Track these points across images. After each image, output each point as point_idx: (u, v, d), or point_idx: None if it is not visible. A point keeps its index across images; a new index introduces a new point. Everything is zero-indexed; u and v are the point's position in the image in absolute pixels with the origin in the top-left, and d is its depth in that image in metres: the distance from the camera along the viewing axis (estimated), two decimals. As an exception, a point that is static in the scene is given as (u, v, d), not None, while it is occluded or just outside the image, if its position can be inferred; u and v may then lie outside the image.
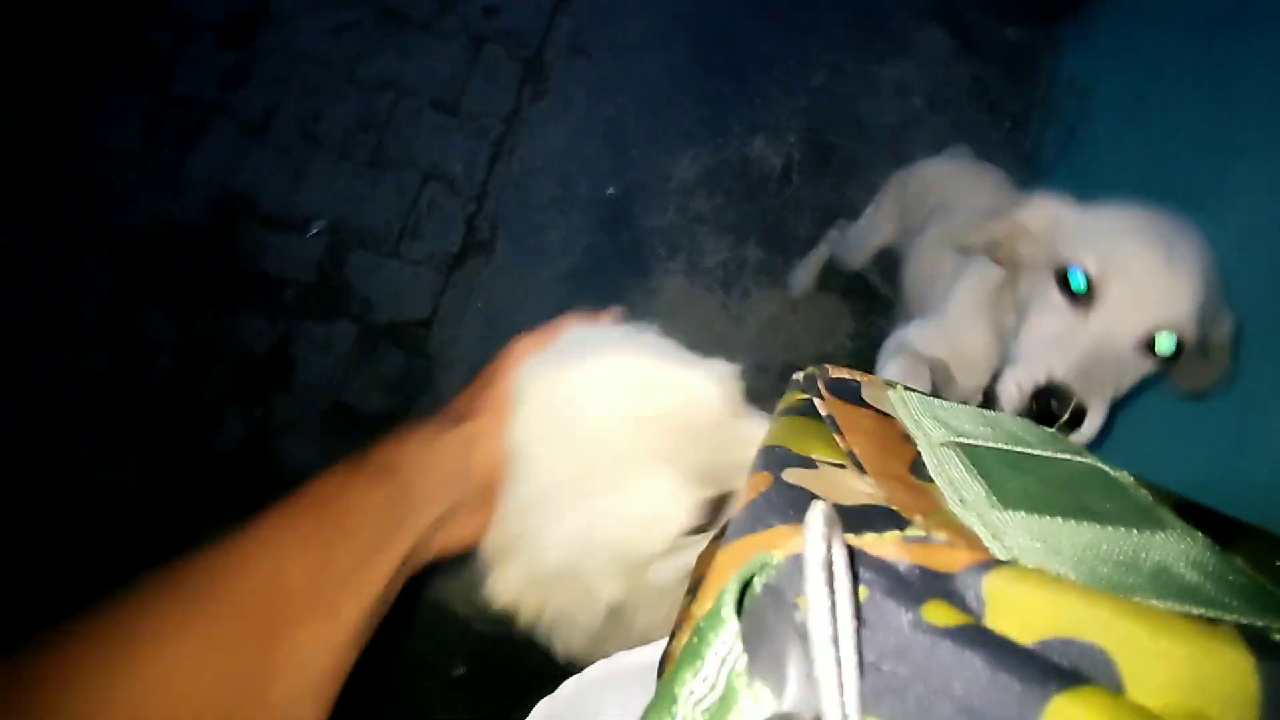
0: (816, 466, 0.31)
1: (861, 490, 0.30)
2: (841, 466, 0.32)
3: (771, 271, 1.41)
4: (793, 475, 0.30)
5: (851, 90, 1.50)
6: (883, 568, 0.23)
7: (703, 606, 0.23)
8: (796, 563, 0.21)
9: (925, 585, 0.23)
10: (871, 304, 1.39)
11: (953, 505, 0.30)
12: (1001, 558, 0.26)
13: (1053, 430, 0.43)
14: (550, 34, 1.53)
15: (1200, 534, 0.31)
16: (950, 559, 0.23)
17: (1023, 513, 0.30)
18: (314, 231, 1.45)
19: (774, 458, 0.32)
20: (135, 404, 1.34)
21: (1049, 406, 0.64)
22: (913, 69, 1.52)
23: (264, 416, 1.35)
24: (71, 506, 1.26)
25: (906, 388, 0.43)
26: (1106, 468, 0.37)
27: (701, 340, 0.52)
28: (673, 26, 1.53)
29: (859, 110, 1.48)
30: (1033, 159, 1.42)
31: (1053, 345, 0.67)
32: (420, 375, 1.36)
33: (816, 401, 0.39)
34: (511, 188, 1.47)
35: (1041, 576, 0.22)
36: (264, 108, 1.49)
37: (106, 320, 1.37)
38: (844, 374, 0.43)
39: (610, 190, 1.45)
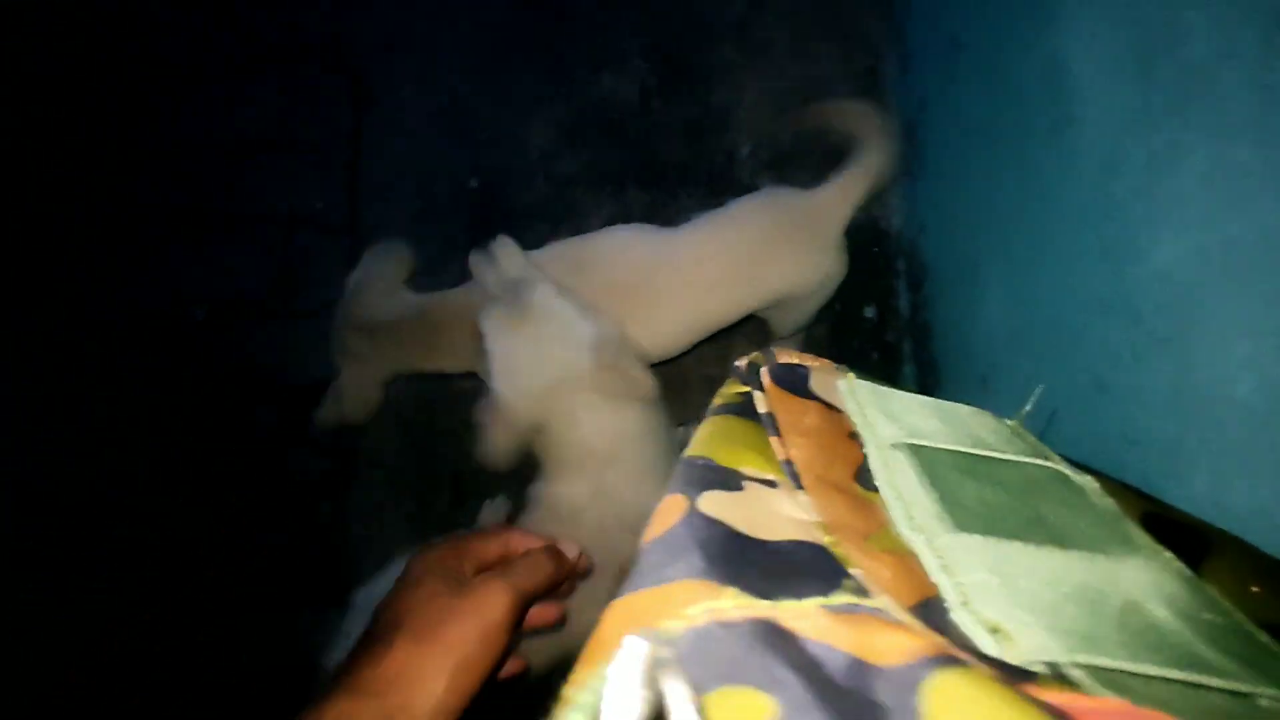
0: (741, 487, 0.28)
1: (792, 518, 0.26)
2: (772, 485, 0.29)
3: (660, 208, 1.35)
4: (711, 503, 0.26)
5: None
6: (801, 663, 0.18)
7: (578, 672, 0.20)
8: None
9: (852, 686, 0.18)
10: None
11: (900, 525, 0.28)
12: (951, 599, 0.23)
13: (1014, 424, 0.40)
14: (356, 38, 1.43)
15: (1170, 556, 0.29)
16: (889, 645, 0.19)
17: (978, 536, 0.27)
18: (199, 318, 1.40)
19: (694, 474, 0.28)
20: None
21: None
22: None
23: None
24: None
25: (859, 375, 0.40)
26: (1069, 471, 0.34)
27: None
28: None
29: (699, 9, 1.38)
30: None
31: None
32: (350, 432, 1.34)
33: (756, 396, 0.36)
34: (379, 208, 1.40)
35: (995, 695, 0.17)
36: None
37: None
38: (793, 359, 0.40)
39: (473, 183, 1.38)
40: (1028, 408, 0.41)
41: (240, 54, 1.45)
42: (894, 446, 0.32)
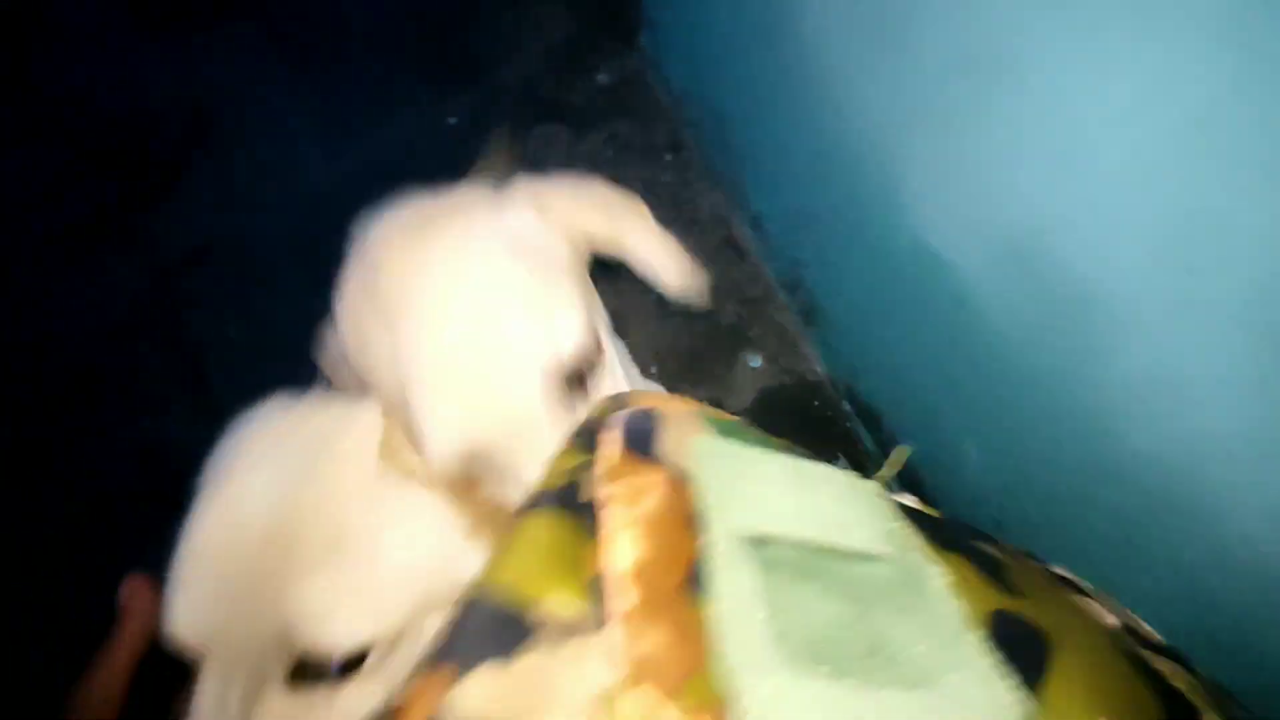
0: (532, 634, 0.24)
1: (588, 684, 0.23)
2: (574, 629, 0.25)
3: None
4: (481, 681, 0.22)
5: None
6: None
7: None
8: None
9: None
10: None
11: (722, 663, 0.24)
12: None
13: (878, 487, 0.36)
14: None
15: (1008, 683, 0.27)
16: None
17: (804, 676, 0.24)
18: None
19: (473, 625, 0.25)
20: None
21: None
22: None
23: None
24: None
25: (729, 430, 0.35)
26: (920, 560, 0.31)
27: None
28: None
29: None
30: None
31: None
32: None
33: (585, 477, 0.31)
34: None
35: None
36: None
37: None
38: (650, 404, 0.35)
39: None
40: (885, 471, 0.38)
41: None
42: (739, 541, 0.29)
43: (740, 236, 1.30)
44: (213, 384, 1.31)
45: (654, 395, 0.37)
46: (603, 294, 1.25)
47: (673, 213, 1.33)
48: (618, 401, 0.35)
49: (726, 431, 0.34)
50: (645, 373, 1.22)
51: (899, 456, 0.38)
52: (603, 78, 1.37)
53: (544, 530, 0.28)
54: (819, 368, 1.24)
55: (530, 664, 0.23)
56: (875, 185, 0.85)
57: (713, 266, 1.30)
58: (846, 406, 1.22)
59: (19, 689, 1.15)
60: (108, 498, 1.25)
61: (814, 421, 1.22)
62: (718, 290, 1.29)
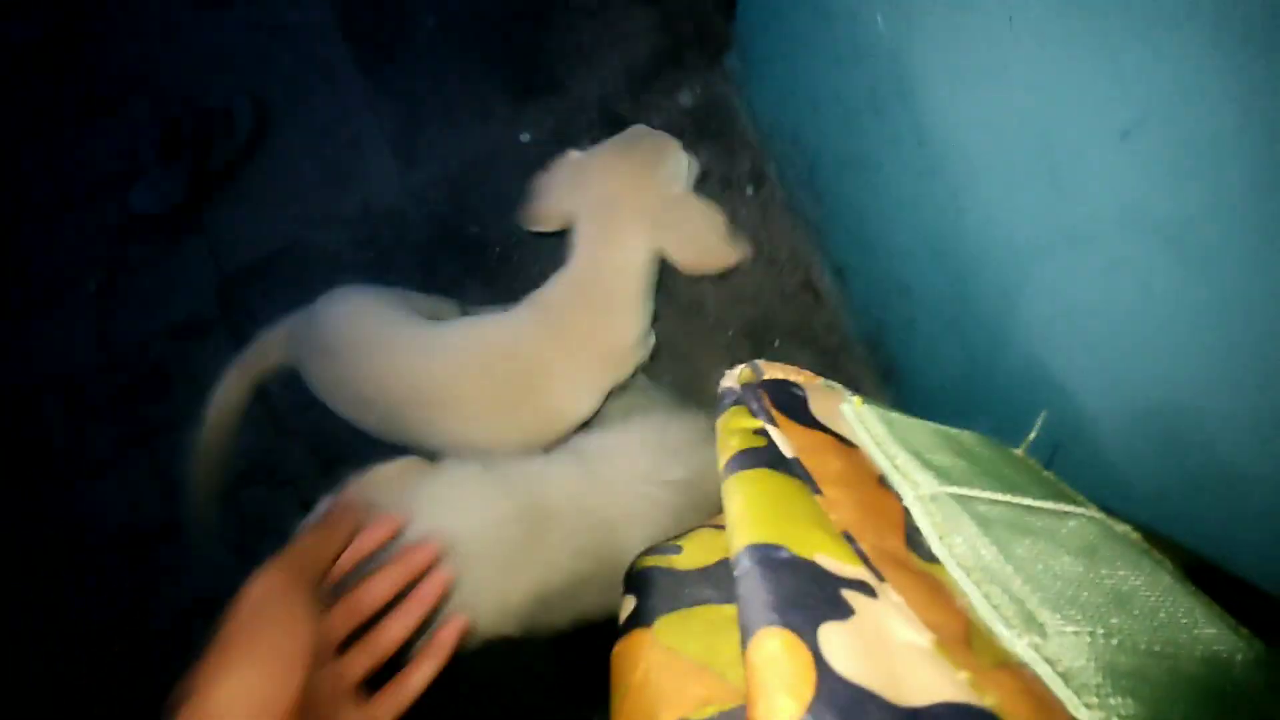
0: (843, 603, 0.24)
1: (926, 663, 0.22)
2: (866, 590, 0.25)
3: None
4: (837, 650, 0.22)
5: None
6: None
7: None
8: None
9: None
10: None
11: (993, 625, 0.24)
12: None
13: (1020, 452, 0.37)
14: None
15: (1238, 628, 0.28)
16: None
17: (1073, 628, 0.24)
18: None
19: (785, 583, 0.23)
20: None
21: None
22: None
23: None
24: None
25: (863, 400, 0.36)
26: (1103, 517, 0.32)
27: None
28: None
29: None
30: None
31: None
32: None
33: (775, 434, 0.31)
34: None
35: None
36: None
37: None
38: (781, 374, 0.36)
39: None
40: (1032, 435, 0.38)
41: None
42: (935, 499, 0.29)
43: (820, 283, 1.24)
44: (270, 394, 1.31)
45: (782, 366, 0.38)
46: (671, 336, 1.21)
47: (750, 248, 1.27)
48: (755, 370, 0.36)
49: (863, 401, 0.36)
50: (711, 420, 1.20)
51: (1041, 422, 0.41)
52: (685, 99, 1.29)
53: (773, 486, 0.28)
54: (890, 428, 1.21)
55: (862, 623, 0.23)
56: (990, 295, 0.80)
57: (788, 309, 1.26)
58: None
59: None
60: (171, 501, 1.27)
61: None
62: (792, 335, 1.25)
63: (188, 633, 1.26)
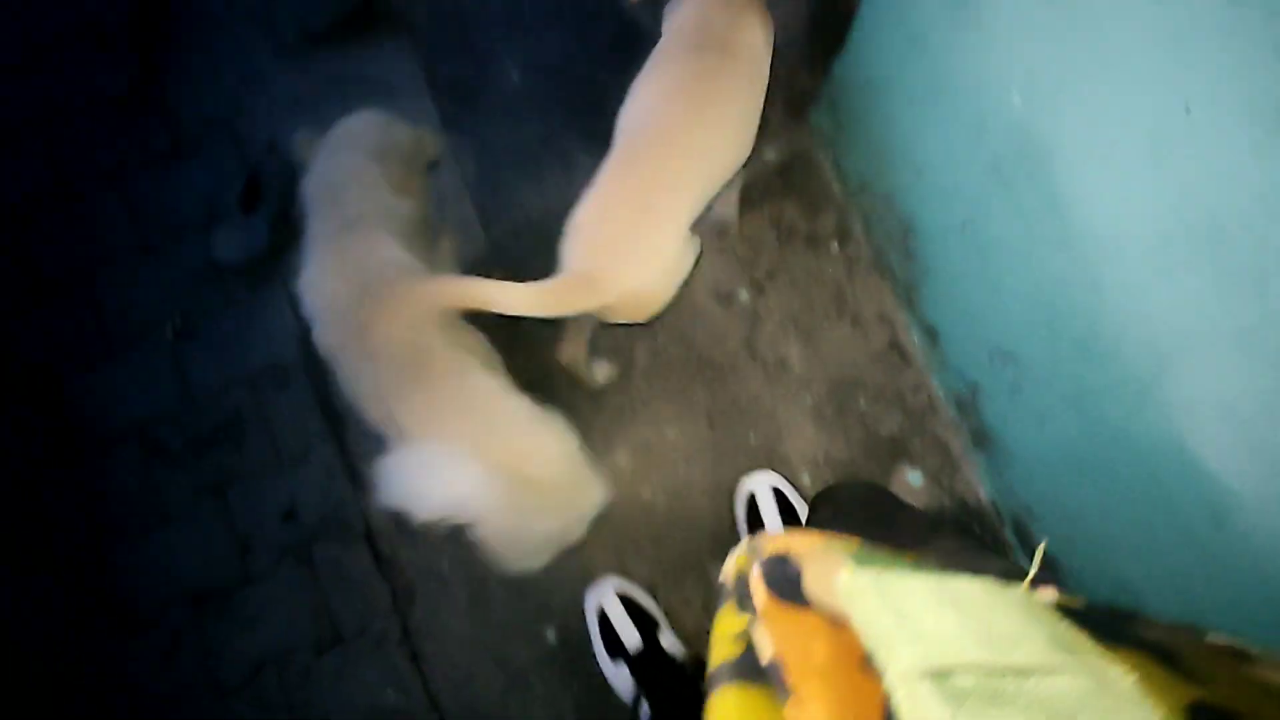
0: None
1: None
2: None
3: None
4: None
5: None
6: None
7: None
8: None
9: None
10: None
11: None
12: None
13: (1024, 590, 0.36)
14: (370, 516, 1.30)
15: None
16: None
17: None
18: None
19: None
20: None
21: None
22: None
23: None
24: None
25: (862, 558, 0.35)
26: (1104, 665, 0.30)
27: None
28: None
29: (702, 348, 1.31)
30: None
31: None
32: None
33: (755, 635, 0.32)
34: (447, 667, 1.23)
35: None
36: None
37: None
38: (780, 550, 0.36)
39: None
40: (1033, 572, 0.38)
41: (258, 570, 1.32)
42: (920, 679, 0.28)
43: (907, 343, 1.22)
44: (346, 441, 1.30)
45: (781, 537, 0.38)
46: (756, 395, 1.19)
47: (834, 306, 1.26)
48: (753, 549, 0.36)
49: (861, 560, 0.35)
50: (797, 481, 1.17)
51: (1040, 553, 0.41)
52: (770, 154, 1.29)
53: (744, 706, 0.30)
54: (982, 493, 1.18)
55: None
56: (1126, 375, 0.77)
57: (875, 369, 1.23)
58: (1010, 538, 1.15)
59: None
60: (246, 547, 1.25)
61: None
62: (878, 396, 1.22)
63: (258, 687, 1.24)
